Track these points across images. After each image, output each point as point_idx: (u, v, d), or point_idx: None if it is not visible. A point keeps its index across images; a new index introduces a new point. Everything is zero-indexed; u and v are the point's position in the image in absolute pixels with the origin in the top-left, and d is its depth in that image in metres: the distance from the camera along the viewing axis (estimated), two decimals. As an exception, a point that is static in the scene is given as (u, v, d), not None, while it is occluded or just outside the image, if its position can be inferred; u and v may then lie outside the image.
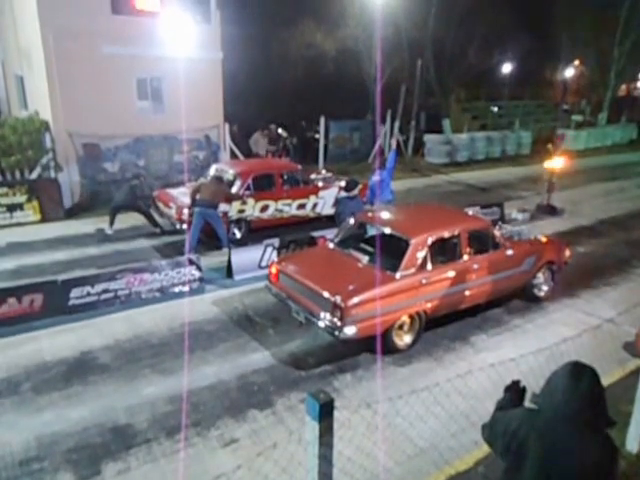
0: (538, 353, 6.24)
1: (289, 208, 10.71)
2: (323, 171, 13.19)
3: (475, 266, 6.83)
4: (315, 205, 11.03)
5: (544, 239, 8.28)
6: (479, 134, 21.17)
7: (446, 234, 6.71)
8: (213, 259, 9.24)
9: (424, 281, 6.31)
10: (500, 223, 9.29)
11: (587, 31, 25.88)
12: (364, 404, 4.94)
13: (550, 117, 27.15)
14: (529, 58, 30.90)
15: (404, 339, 6.42)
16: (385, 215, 7.51)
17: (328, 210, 10.95)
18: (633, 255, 10.06)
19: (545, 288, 7.94)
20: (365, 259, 6.75)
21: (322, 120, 17.19)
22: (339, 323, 5.76)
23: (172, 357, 6.15)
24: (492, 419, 2.67)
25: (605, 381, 5.82)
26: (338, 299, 5.78)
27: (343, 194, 8.18)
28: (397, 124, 18.91)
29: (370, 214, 7.71)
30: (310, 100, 21.77)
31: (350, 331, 5.78)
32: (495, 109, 29.51)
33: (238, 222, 10.29)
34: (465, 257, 6.76)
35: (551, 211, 12.68)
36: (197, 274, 8.06)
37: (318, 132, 17.50)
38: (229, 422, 5.06)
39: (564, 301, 7.97)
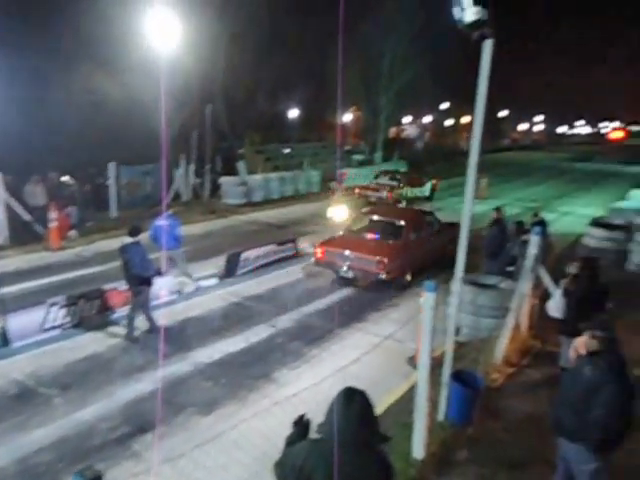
0: (333, 378, 6.76)
1: (412, 192, 20.97)
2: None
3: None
4: (421, 190, 21.70)
5: None
6: (273, 175, 22.28)
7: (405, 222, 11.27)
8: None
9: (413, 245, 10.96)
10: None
11: (358, 81, 29.31)
12: (164, 462, 4.73)
13: (334, 157, 29.93)
14: (313, 104, 33.92)
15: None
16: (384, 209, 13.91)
17: (425, 193, 21.94)
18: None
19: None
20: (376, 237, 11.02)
21: (111, 166, 16.40)
22: (381, 273, 9.86)
23: None
24: (282, 456, 2.72)
25: (393, 396, 6.55)
26: (383, 258, 9.97)
27: (129, 240, 7.75)
28: (192, 168, 18.95)
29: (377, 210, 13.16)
30: (100, 146, 20.54)
31: (385, 276, 9.94)
32: (286, 151, 31.41)
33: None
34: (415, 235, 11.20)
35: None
36: (-39, 347, 6.91)
37: (109, 178, 16.60)
38: (7, 518, 4.38)
39: (355, 325, 8.75)
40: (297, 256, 12.52)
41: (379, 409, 6.05)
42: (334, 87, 31.23)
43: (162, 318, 8.20)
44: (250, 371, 7.00)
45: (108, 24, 18.63)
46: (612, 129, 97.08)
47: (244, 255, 11.22)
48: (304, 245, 13.27)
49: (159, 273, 8.01)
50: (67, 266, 11.44)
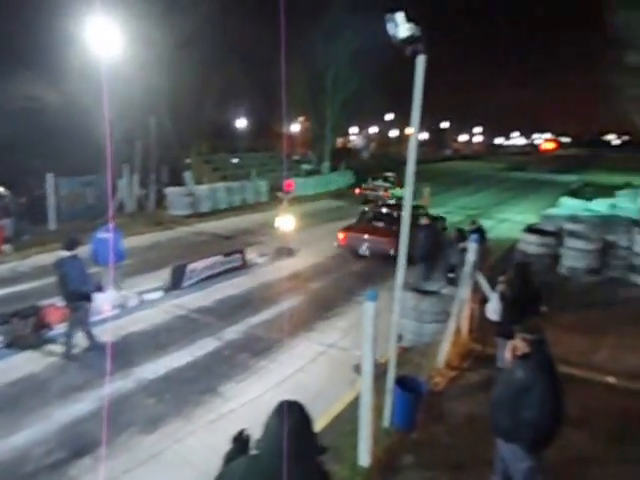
0: (279, 389, 6.67)
1: (400, 192, 21.95)
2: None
3: None
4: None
5: None
6: (220, 185, 22.00)
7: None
8: None
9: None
10: None
11: (305, 91, 29.46)
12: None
13: (283, 167, 29.96)
14: (261, 114, 33.90)
15: None
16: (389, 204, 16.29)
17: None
18: (356, 285, 11.53)
19: None
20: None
21: (49, 177, 15.71)
22: (391, 250, 12.18)
23: None
24: (219, 474, 2.61)
25: (339, 404, 6.51)
26: (392, 239, 12.26)
27: (65, 253, 7.35)
28: (136, 178, 18.43)
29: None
30: (39, 156, 19.60)
31: (393, 253, 11.84)
32: (235, 160, 31.12)
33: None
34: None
35: (288, 252, 13.83)
36: None
37: (47, 189, 15.88)
38: None
39: (302, 335, 8.69)
40: (245, 267, 12.36)
41: (325, 418, 6.04)
42: (282, 97, 31.39)
43: (105, 334, 7.86)
44: (196, 386, 6.80)
45: (46, 30, 17.93)
46: (544, 140, 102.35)
47: (190, 267, 10.96)
48: (252, 255, 13.14)
49: (99, 288, 7.70)
50: (0, 282, 10.81)
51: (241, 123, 33.35)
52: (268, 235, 15.57)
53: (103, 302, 8.68)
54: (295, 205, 18.96)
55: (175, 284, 10.56)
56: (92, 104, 19.16)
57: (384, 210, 15.01)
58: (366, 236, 13.47)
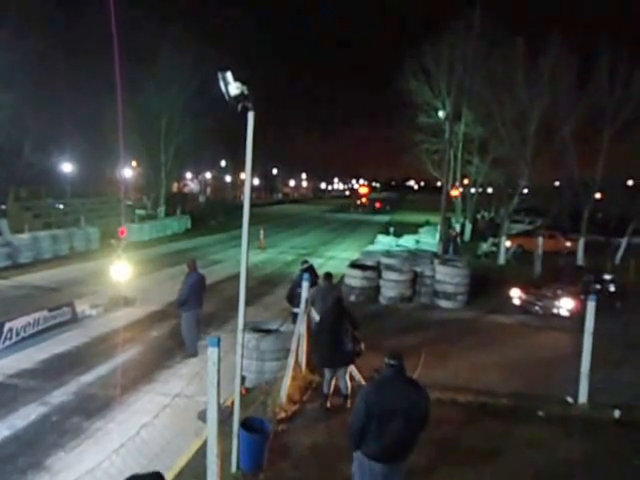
0: (122, 451, 6.00)
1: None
2: None
3: None
4: None
5: None
6: (43, 233, 19.62)
7: None
8: None
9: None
10: None
11: (137, 138, 28.12)
12: None
13: (115, 212, 27.90)
14: (89, 158, 31.35)
15: None
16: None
17: None
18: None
19: None
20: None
21: None
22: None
23: None
24: None
25: (185, 456, 6.07)
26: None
27: None
28: None
29: None
30: None
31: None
32: (61, 206, 28.26)
33: None
34: None
35: (125, 301, 12.74)
36: None
37: None
38: None
39: (143, 388, 7.97)
40: (75, 320, 11.07)
41: (172, 472, 5.59)
42: (113, 143, 29.50)
43: None
44: (16, 464, 5.71)
45: None
46: (359, 185, 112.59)
47: (8, 325, 9.46)
48: (83, 307, 11.83)
49: None
50: None
51: (67, 167, 30.35)
52: (102, 284, 14.15)
53: None
54: (131, 251, 17.73)
55: (-11, 347, 9.00)
56: None
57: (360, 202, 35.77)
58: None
